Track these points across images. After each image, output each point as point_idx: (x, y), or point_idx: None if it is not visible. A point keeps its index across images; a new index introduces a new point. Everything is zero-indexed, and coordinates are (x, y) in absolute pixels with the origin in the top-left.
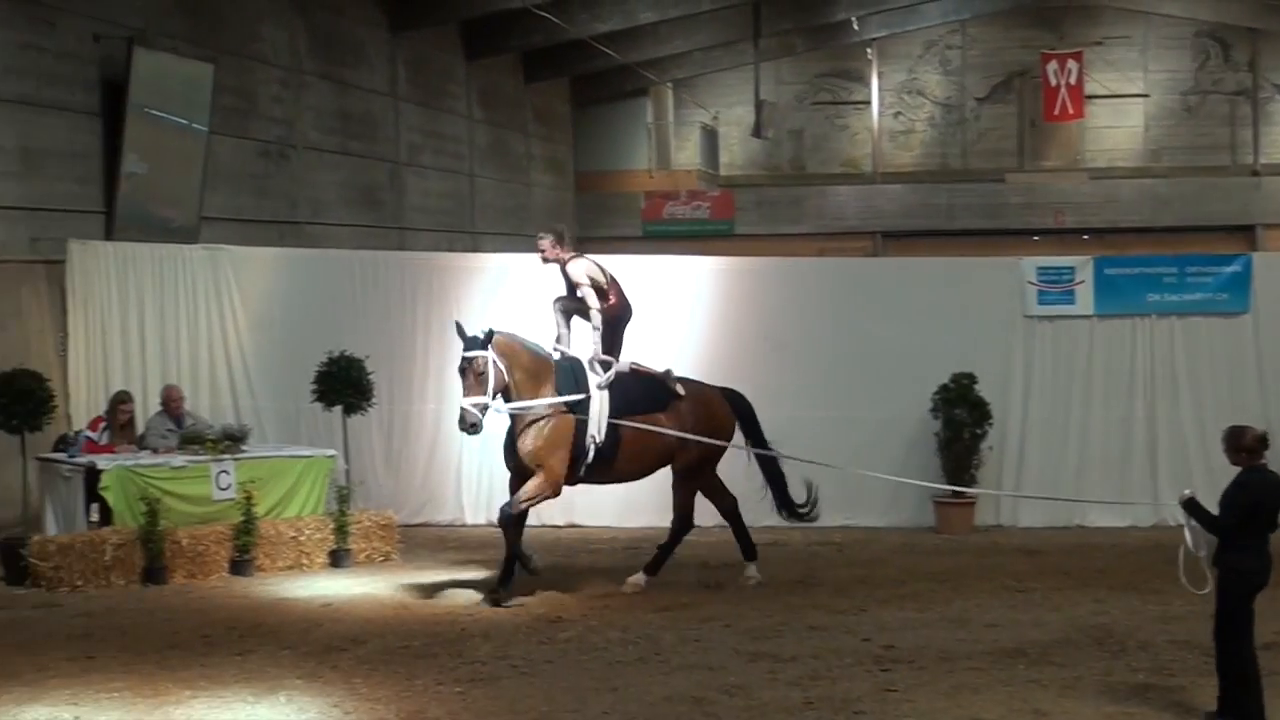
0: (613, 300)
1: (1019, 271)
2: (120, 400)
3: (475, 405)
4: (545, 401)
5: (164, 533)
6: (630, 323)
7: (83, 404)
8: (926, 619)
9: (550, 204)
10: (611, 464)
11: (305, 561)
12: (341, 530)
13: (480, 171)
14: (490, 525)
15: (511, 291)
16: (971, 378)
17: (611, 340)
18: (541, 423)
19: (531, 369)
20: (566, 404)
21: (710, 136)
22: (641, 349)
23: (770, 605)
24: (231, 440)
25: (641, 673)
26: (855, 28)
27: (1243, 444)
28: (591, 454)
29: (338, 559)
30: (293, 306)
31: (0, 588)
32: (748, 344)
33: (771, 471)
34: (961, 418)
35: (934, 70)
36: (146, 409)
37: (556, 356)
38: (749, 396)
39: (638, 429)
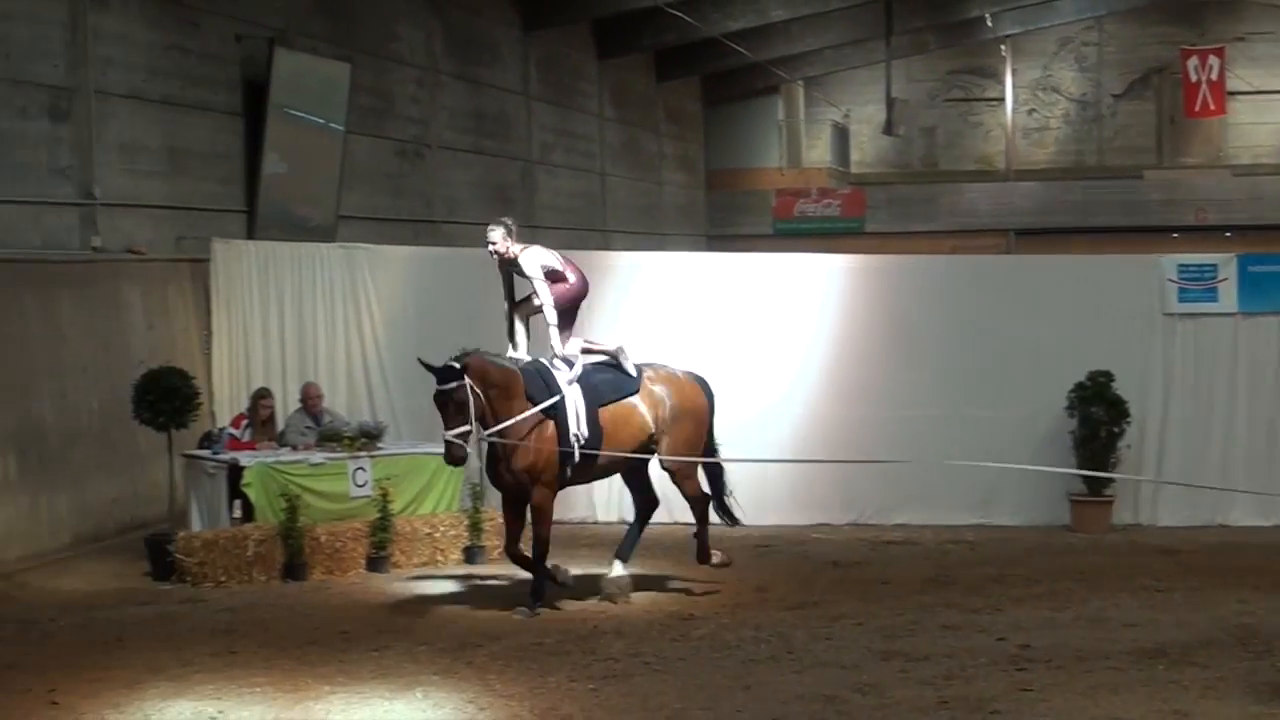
0: (573, 280)
1: (1159, 269)
2: (261, 396)
3: (459, 436)
4: (523, 416)
5: (303, 529)
6: (586, 298)
7: (226, 401)
8: (1063, 618)
9: (681, 202)
10: (595, 459)
11: (440, 558)
12: (475, 527)
13: (612, 170)
14: (622, 522)
15: (642, 288)
16: (1109, 375)
17: (570, 321)
18: (527, 437)
19: (502, 384)
20: (543, 411)
21: (841, 134)
22: (770, 347)
23: (902, 604)
24: (368, 438)
25: (774, 670)
26: (989, 24)
27: None
28: (577, 453)
29: (471, 555)
30: (426, 304)
31: (146, 583)
32: (878, 346)
33: (714, 471)
34: (1098, 416)
35: (1069, 67)
36: (286, 406)
37: (522, 363)
38: (882, 396)
39: (614, 418)
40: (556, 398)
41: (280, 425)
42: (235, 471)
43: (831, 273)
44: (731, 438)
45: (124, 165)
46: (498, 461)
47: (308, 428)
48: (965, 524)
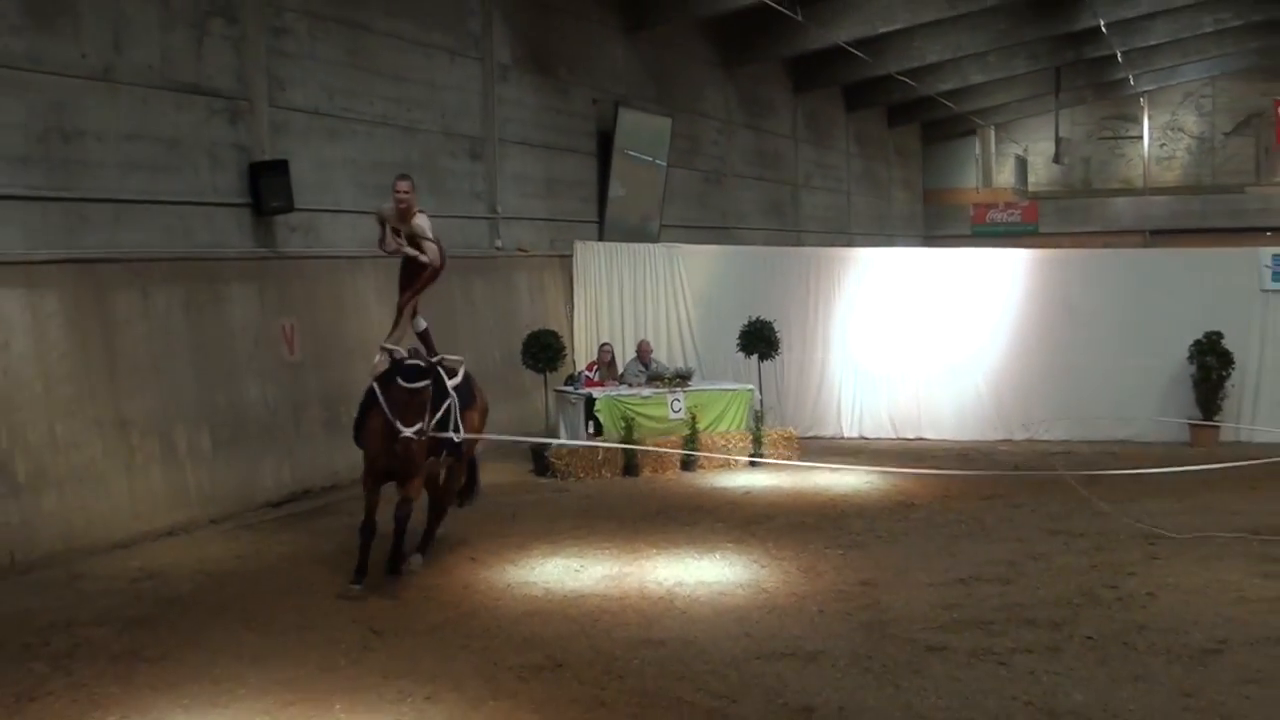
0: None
1: (1257, 258)
2: (603, 346)
3: (417, 433)
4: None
5: (637, 440)
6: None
7: (583, 353)
8: (1184, 507)
9: (905, 213)
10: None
11: (732, 463)
12: (757, 440)
13: (854, 190)
14: (861, 438)
15: (873, 276)
16: (1219, 334)
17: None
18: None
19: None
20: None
21: (1021, 163)
22: (968, 315)
23: (1065, 496)
24: (681, 378)
25: (971, 543)
26: (1131, 84)
27: None
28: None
29: (754, 461)
30: (723, 286)
31: (530, 478)
32: (1049, 313)
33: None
34: (1211, 364)
35: (1190, 113)
36: (624, 356)
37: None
38: (1054, 350)
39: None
40: (449, 400)
41: (620, 369)
42: (590, 402)
43: (1015, 262)
44: (942, 379)
45: (517, 190)
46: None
47: (640, 371)
48: (1113, 439)
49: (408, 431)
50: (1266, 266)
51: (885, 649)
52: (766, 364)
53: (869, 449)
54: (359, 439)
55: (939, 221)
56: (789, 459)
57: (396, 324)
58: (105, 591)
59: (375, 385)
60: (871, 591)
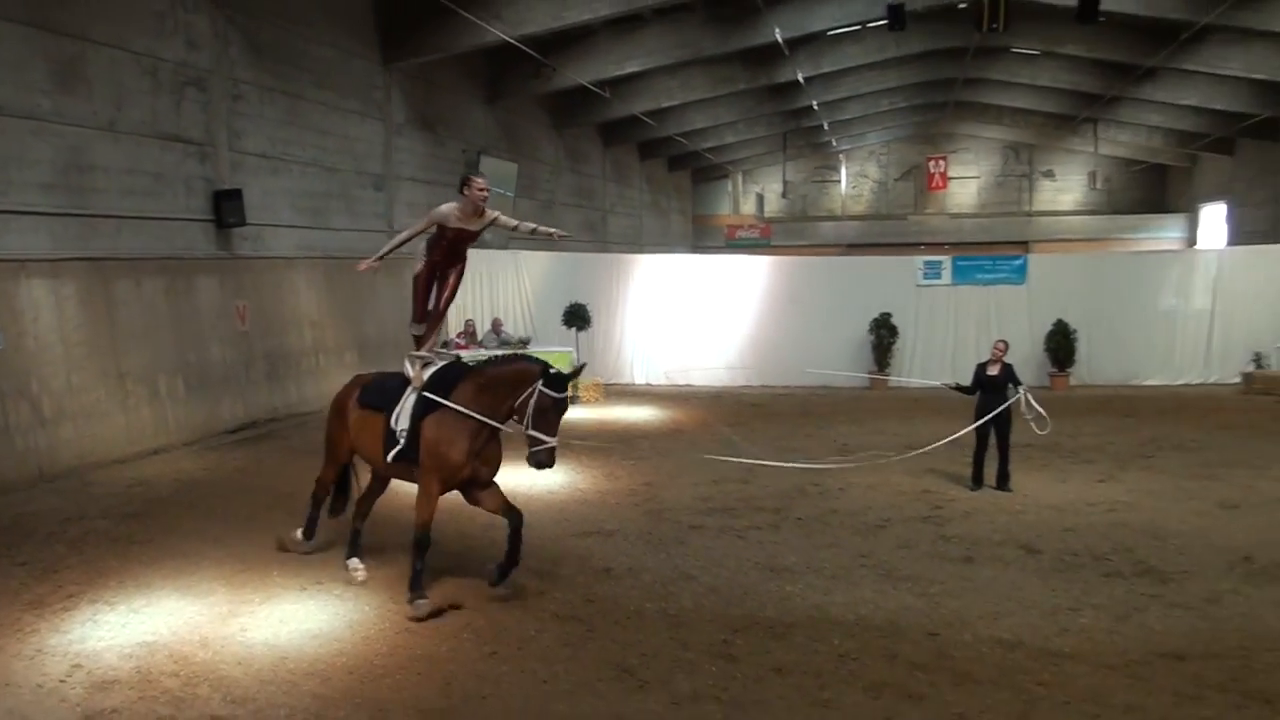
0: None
1: (913, 264)
2: (467, 321)
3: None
4: None
5: None
6: None
7: (453, 328)
8: (864, 430)
9: (680, 231)
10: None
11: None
12: (575, 388)
13: (645, 215)
14: (647, 385)
15: (657, 274)
16: (889, 314)
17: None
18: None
19: None
20: None
21: (759, 198)
22: (723, 306)
23: (783, 425)
24: (523, 343)
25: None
26: (834, 144)
27: None
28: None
29: (574, 401)
30: (552, 281)
31: None
32: (778, 299)
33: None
34: (884, 334)
35: (873, 164)
36: (483, 329)
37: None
38: (780, 326)
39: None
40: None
41: (479, 337)
42: (458, 359)
43: (755, 265)
44: (703, 344)
45: (409, 213)
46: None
47: (494, 338)
48: (820, 384)
49: (551, 442)
50: (919, 269)
51: (660, 528)
52: (582, 334)
53: (652, 392)
54: (410, 454)
55: (704, 237)
56: (598, 401)
57: (432, 333)
58: (108, 494)
59: (437, 395)
60: (652, 489)
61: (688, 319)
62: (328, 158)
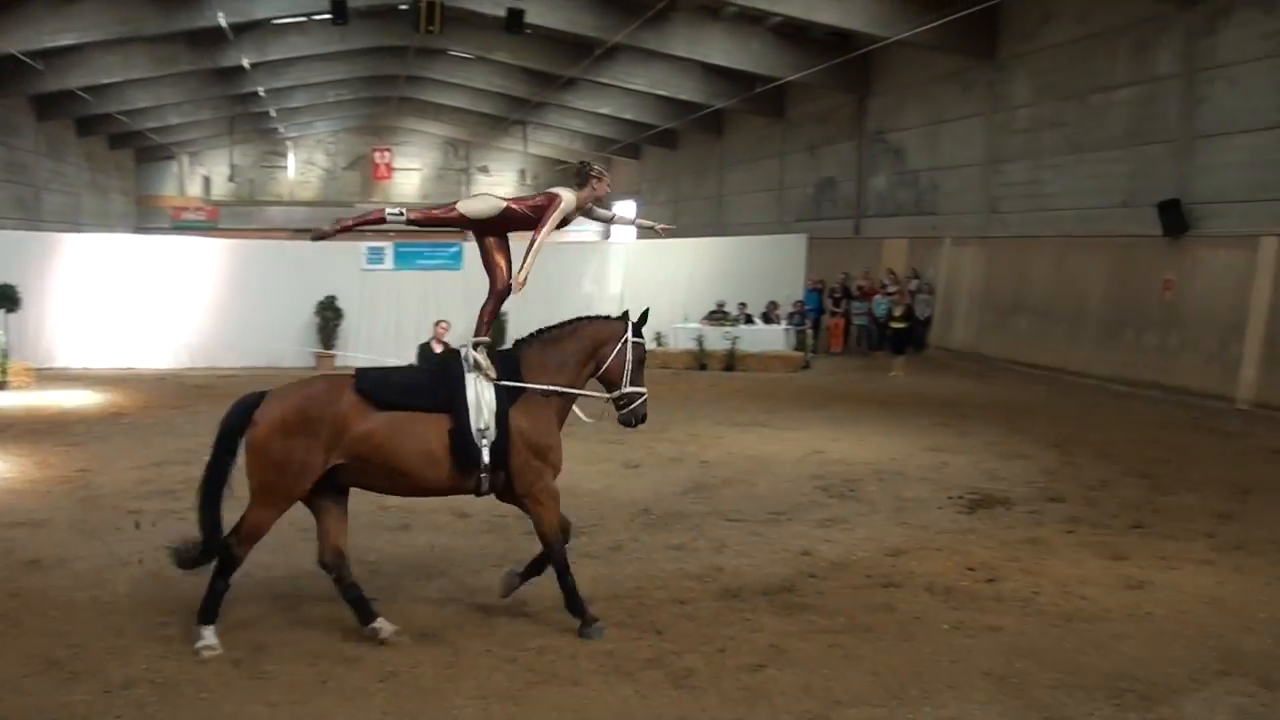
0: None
1: (358, 249)
2: None
3: None
4: None
5: None
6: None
7: None
8: None
9: (123, 210)
10: None
11: None
12: (2, 370)
13: (87, 194)
14: (84, 369)
15: (98, 258)
16: (335, 297)
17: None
18: None
19: None
20: None
21: (206, 180)
22: (171, 286)
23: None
24: None
25: (163, 438)
26: (282, 131)
27: None
28: None
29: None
30: None
31: None
32: (225, 286)
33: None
34: (329, 316)
35: (321, 153)
36: None
37: None
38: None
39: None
40: None
41: None
42: None
43: (202, 247)
44: (146, 325)
45: None
46: None
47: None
48: (270, 365)
49: (646, 392)
50: (363, 255)
51: (95, 515)
52: (12, 316)
53: (90, 375)
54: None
55: (149, 218)
56: (28, 386)
57: (492, 320)
58: None
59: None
60: (87, 475)
61: (130, 301)
62: None
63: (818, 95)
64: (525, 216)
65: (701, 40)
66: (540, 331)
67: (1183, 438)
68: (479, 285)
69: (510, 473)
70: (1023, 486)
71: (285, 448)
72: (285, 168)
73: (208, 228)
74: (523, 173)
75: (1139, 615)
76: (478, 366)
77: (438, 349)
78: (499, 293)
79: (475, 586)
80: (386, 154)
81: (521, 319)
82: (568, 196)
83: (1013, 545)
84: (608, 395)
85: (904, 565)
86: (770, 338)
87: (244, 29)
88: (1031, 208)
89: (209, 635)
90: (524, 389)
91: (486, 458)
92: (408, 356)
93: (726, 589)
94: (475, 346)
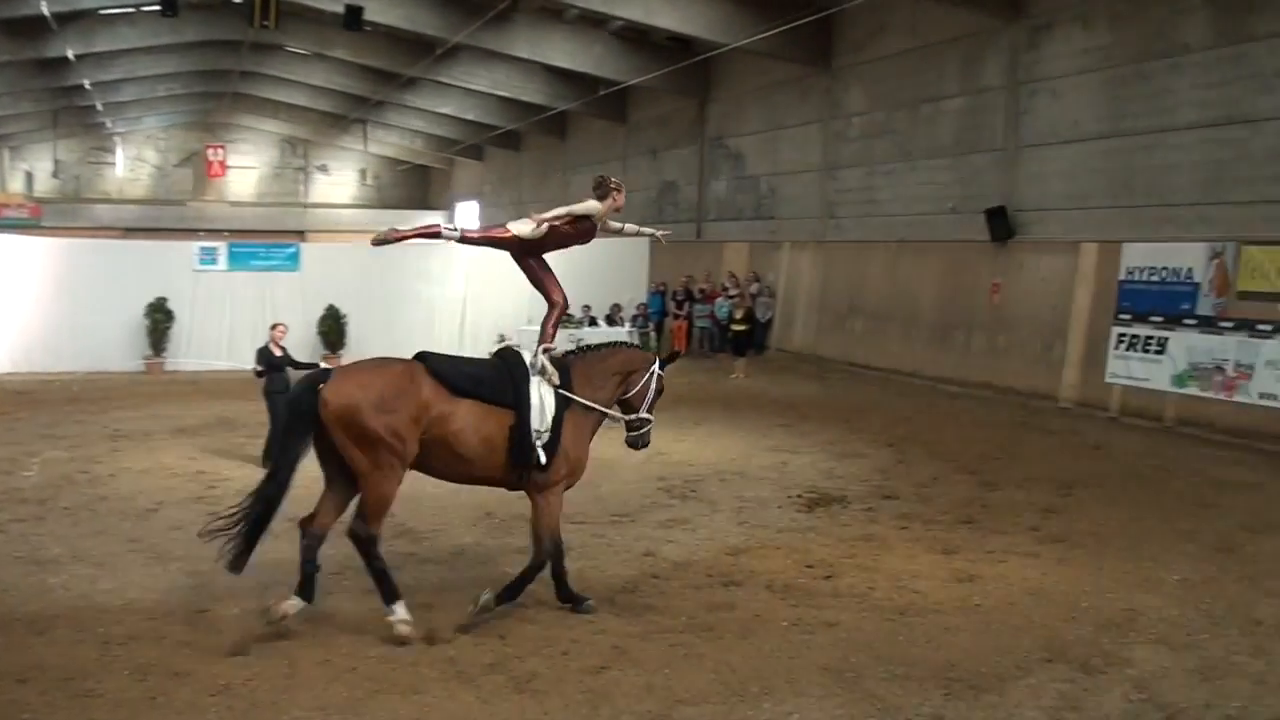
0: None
1: (191, 249)
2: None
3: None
4: None
5: None
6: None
7: None
8: (141, 414)
9: None
10: None
11: None
12: None
13: None
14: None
15: None
16: (165, 299)
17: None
18: None
19: None
20: None
21: (29, 176)
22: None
23: (53, 409)
24: None
25: None
26: (109, 126)
27: None
28: None
29: None
30: None
31: None
32: (50, 287)
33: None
34: (160, 319)
35: (153, 149)
36: None
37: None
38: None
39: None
40: None
41: None
42: None
43: (24, 246)
44: None
45: None
46: None
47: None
48: (96, 369)
49: (652, 421)
50: (195, 255)
51: None
52: None
53: None
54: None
55: None
56: None
57: (555, 330)
58: None
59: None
60: None
61: None
62: None
63: (660, 100)
64: (568, 234)
65: (544, 42)
66: (586, 348)
67: (1010, 435)
68: (317, 287)
69: (544, 471)
70: (859, 485)
71: (382, 423)
72: (113, 164)
73: (30, 226)
74: (363, 172)
75: (968, 607)
76: (543, 372)
77: (277, 353)
78: (559, 306)
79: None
80: (220, 151)
81: (362, 320)
82: (596, 206)
83: (849, 542)
84: (624, 417)
85: (745, 564)
86: (614, 339)
87: (68, 18)
88: (866, 213)
89: (400, 610)
90: (571, 400)
91: (543, 458)
92: (243, 360)
93: None
94: (545, 352)
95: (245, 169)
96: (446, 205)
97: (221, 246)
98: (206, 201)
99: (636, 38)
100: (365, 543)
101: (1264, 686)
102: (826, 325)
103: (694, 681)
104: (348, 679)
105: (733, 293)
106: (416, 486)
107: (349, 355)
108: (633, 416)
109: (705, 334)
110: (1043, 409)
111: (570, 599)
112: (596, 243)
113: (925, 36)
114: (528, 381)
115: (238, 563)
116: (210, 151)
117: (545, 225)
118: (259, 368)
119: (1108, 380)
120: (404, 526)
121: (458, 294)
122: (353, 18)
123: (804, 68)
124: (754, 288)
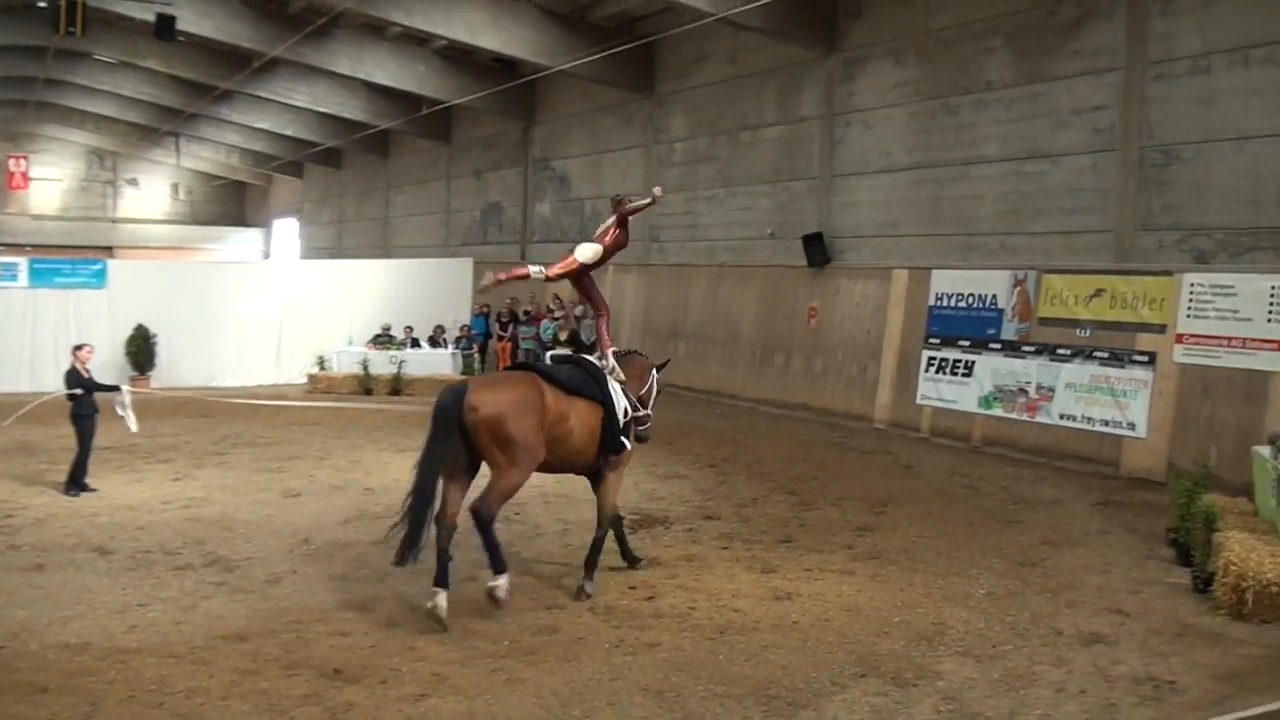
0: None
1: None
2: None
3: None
4: None
5: None
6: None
7: None
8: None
9: None
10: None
11: None
12: None
13: None
14: None
15: None
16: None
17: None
18: None
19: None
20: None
21: None
22: None
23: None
24: None
25: None
26: None
27: None
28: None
29: None
30: None
31: None
32: None
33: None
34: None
35: None
36: None
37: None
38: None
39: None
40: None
41: None
42: None
43: None
44: None
45: None
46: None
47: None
48: None
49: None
50: None
51: None
52: None
53: None
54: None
55: None
56: None
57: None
58: None
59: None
60: None
61: None
62: None
63: (484, 120)
64: (611, 250)
65: (365, 59)
66: (618, 353)
67: (827, 456)
68: (125, 305)
69: (619, 454)
70: (680, 506)
71: (523, 424)
72: None
73: None
74: (176, 187)
75: (786, 625)
76: (613, 371)
77: (85, 375)
78: (604, 315)
79: (113, 629)
80: (23, 161)
81: (173, 340)
82: (641, 204)
83: (671, 563)
84: (647, 411)
85: (568, 587)
86: (437, 361)
87: None
88: (688, 238)
89: (504, 580)
90: (629, 396)
91: (629, 445)
92: (47, 383)
93: (390, 618)
94: (612, 354)
95: (49, 181)
96: (263, 223)
97: (22, 262)
98: (7, 215)
99: (461, 58)
100: (487, 522)
101: (1064, 694)
102: (651, 347)
103: (516, 707)
104: (153, 716)
105: (558, 314)
106: (227, 511)
107: (158, 378)
108: (643, 413)
109: (530, 355)
110: (858, 429)
111: (631, 558)
112: (418, 265)
113: (745, 66)
114: (607, 381)
115: (403, 556)
116: (12, 162)
117: (602, 249)
118: (74, 390)
119: (919, 402)
120: (214, 555)
121: (275, 314)
122: (164, 27)
123: (628, 93)
124: (578, 310)
